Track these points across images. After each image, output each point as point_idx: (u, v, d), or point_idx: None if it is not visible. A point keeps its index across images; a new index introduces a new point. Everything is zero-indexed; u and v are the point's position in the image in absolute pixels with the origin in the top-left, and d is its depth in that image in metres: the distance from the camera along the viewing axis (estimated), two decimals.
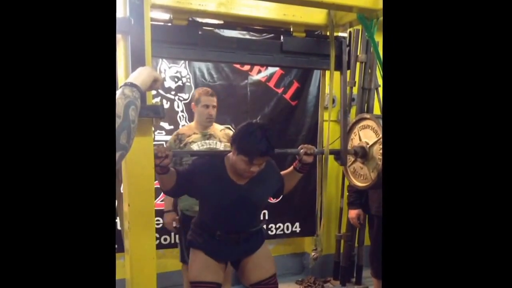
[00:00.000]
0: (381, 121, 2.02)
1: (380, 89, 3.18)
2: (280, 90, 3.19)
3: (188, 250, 2.30)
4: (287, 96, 3.21)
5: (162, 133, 2.85)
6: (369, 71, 3.19)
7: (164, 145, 2.02)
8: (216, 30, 2.24)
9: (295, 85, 3.21)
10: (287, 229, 3.26)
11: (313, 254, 2.16)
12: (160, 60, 2.84)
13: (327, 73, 2.17)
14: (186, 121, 2.95)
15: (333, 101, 2.44)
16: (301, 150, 1.89)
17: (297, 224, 3.27)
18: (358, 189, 2.50)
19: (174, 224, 2.50)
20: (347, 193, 2.73)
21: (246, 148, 1.69)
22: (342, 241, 3.30)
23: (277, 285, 2.00)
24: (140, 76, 1.27)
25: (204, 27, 1.93)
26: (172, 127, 2.90)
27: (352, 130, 2.18)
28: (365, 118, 2.12)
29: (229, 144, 2.45)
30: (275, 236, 3.22)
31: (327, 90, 2.20)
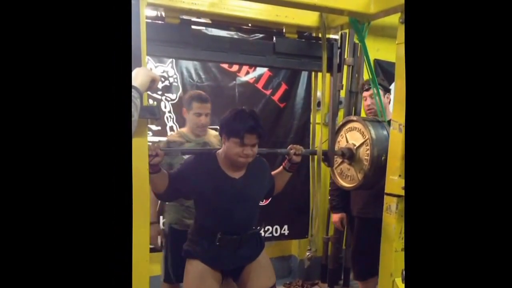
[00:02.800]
0: (367, 123, 2.04)
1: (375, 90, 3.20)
2: (268, 92, 3.17)
3: (175, 267, 2.21)
4: (275, 98, 3.20)
5: (149, 134, 2.80)
6: (356, 75, 3.21)
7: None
8: (205, 30, 2.22)
9: (283, 87, 3.21)
10: (276, 231, 3.24)
11: (307, 254, 2.17)
12: (147, 59, 2.79)
13: (319, 75, 2.18)
14: (173, 122, 2.91)
15: (320, 103, 2.47)
16: (291, 151, 1.93)
17: (285, 226, 3.26)
18: (340, 193, 2.54)
19: (160, 239, 2.30)
20: (329, 197, 2.73)
21: (234, 127, 1.69)
22: (329, 244, 3.30)
23: None
24: (138, 77, 1.25)
25: (196, 26, 1.91)
26: (159, 128, 2.85)
27: (339, 132, 2.21)
28: (352, 121, 2.14)
29: None
30: (264, 239, 3.19)
31: (318, 92, 2.21)
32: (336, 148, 2.17)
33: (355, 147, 2.07)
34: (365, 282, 2.56)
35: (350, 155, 2.08)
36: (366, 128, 2.02)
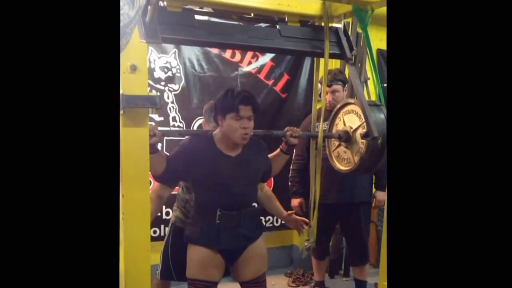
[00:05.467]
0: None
1: (370, 82, 3.19)
2: (270, 82, 3.17)
3: (175, 266, 2.18)
4: (277, 88, 3.19)
5: (151, 124, 2.79)
6: (359, 64, 3.19)
7: None
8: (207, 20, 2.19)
9: (285, 77, 3.20)
10: (277, 221, 3.26)
11: (306, 244, 2.17)
12: (149, 50, 2.78)
13: (321, 65, 2.16)
14: (176, 112, 2.91)
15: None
16: (288, 132, 1.94)
17: None
18: (300, 179, 2.69)
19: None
20: (289, 183, 2.79)
21: (228, 102, 1.74)
22: None
23: (266, 283, 2.01)
24: None
25: (198, 16, 1.90)
26: (162, 118, 2.86)
27: (336, 115, 2.19)
28: (350, 103, 2.12)
29: None
30: (265, 228, 3.20)
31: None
32: (334, 130, 2.17)
33: (351, 130, 2.06)
34: (320, 262, 2.89)
35: (346, 138, 2.07)
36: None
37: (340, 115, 2.17)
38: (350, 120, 2.10)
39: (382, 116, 1.99)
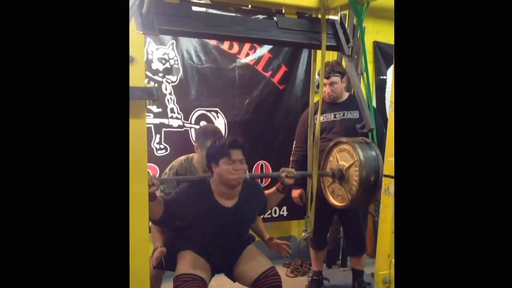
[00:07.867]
0: (356, 145, 2.05)
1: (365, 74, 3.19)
2: (268, 74, 3.16)
3: (166, 256, 2.18)
4: (275, 80, 3.19)
5: (150, 115, 2.81)
6: (356, 56, 3.19)
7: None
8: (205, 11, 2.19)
9: (283, 68, 3.20)
10: (275, 212, 3.27)
11: (303, 234, 2.20)
12: (147, 41, 2.78)
13: (318, 57, 2.16)
14: (174, 104, 2.91)
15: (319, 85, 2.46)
16: (282, 174, 2.02)
17: (284, 208, 3.28)
18: (299, 170, 2.64)
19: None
20: None
21: (218, 149, 1.87)
22: None
23: (279, 277, 2.03)
24: None
25: (196, 7, 1.90)
26: (160, 109, 2.86)
27: (330, 152, 2.23)
28: (342, 142, 2.16)
29: None
30: (263, 220, 3.22)
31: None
32: (328, 168, 2.22)
33: (345, 168, 2.10)
34: (318, 252, 2.93)
35: (340, 176, 2.12)
36: (355, 150, 2.04)
37: (333, 153, 2.21)
38: (343, 158, 2.14)
39: (373, 153, 2.01)
